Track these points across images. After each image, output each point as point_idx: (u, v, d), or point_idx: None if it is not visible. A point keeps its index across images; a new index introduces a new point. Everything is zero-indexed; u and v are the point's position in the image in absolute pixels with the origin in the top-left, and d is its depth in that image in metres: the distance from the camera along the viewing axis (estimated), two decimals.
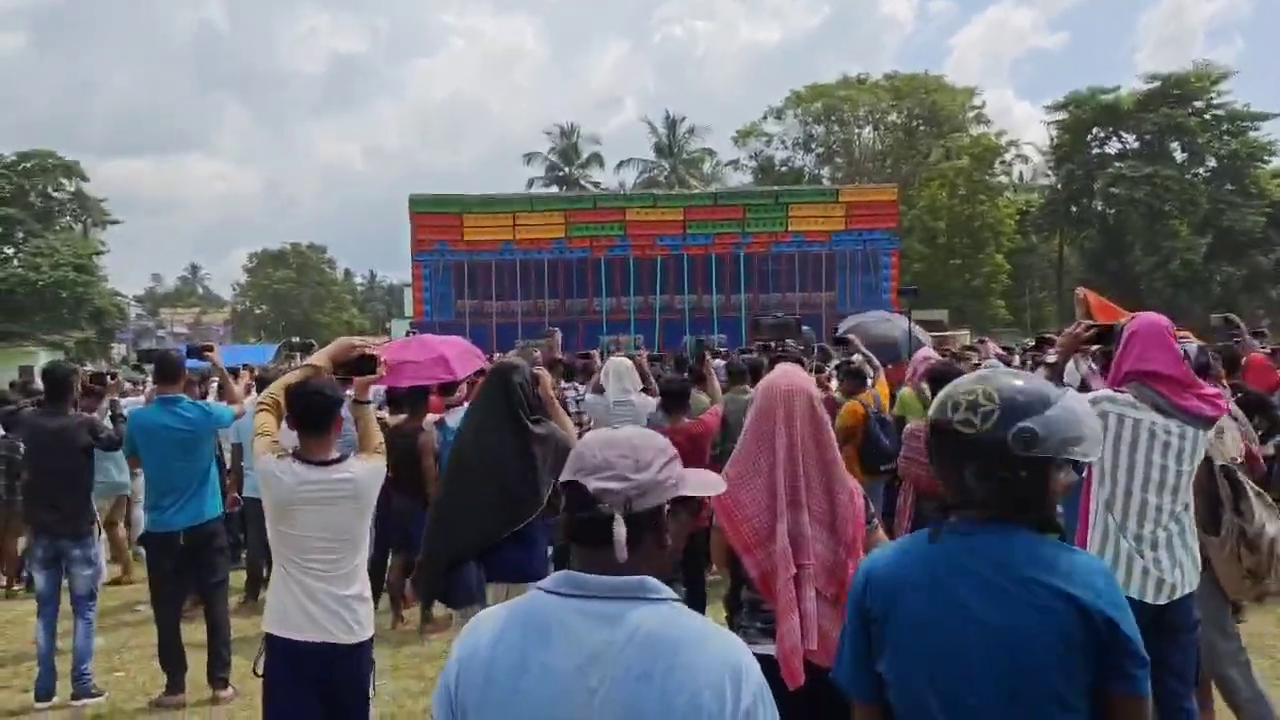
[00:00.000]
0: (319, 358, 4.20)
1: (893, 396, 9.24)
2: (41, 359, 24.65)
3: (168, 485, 6.10)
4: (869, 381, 8.40)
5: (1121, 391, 3.91)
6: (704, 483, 1.87)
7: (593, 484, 1.72)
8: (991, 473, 1.95)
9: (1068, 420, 1.95)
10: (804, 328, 10.46)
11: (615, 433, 1.83)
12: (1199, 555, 3.98)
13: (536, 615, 1.70)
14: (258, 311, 71.06)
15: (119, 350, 50.32)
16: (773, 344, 8.28)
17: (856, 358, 8.89)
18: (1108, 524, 3.92)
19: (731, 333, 20.86)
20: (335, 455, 3.98)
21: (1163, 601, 3.84)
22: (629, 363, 8.35)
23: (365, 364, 4.24)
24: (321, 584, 3.89)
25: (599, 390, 8.32)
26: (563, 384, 9.09)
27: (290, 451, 3.94)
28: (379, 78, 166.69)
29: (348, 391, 4.29)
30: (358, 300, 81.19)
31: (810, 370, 8.69)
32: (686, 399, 7.15)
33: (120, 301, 56.57)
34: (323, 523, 3.89)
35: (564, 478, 1.75)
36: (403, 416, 7.97)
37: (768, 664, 3.19)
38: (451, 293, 26.45)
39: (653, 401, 7.92)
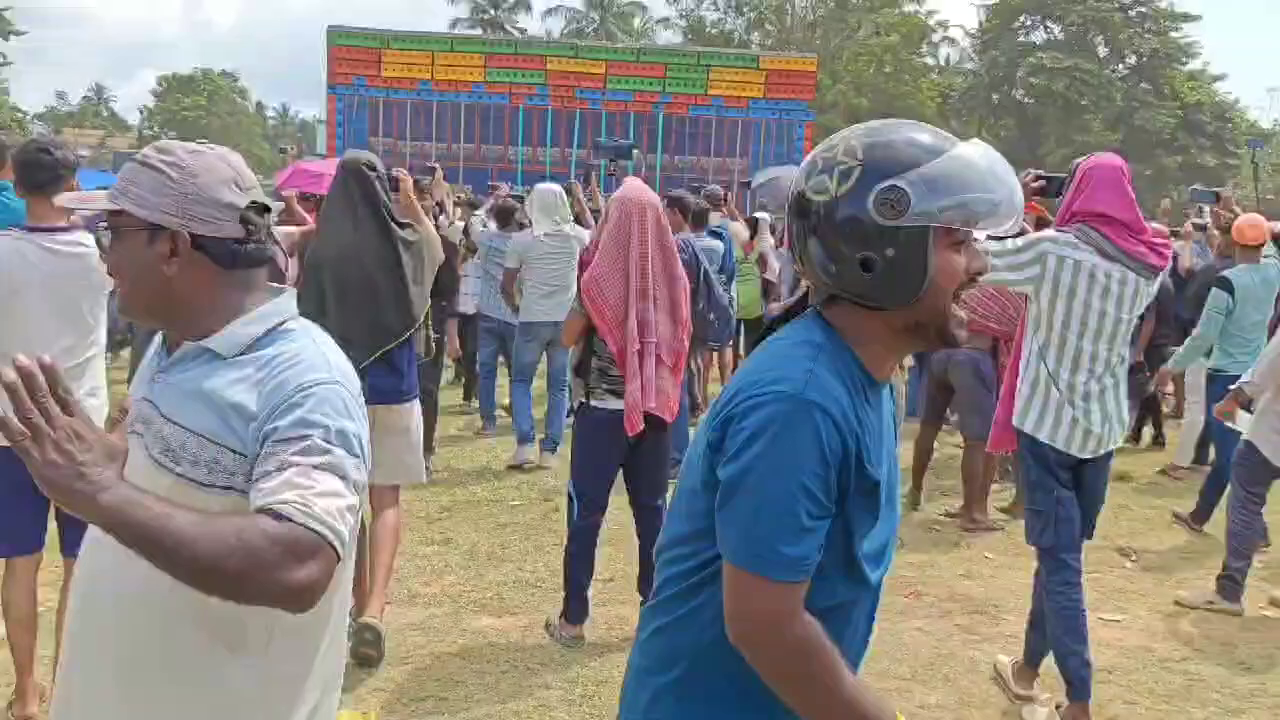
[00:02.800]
0: None
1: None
2: None
3: None
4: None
5: (1064, 231, 3.69)
6: None
7: (270, 201, 1.70)
8: (846, 251, 1.45)
9: (957, 174, 1.43)
10: (634, 150, 10.46)
11: (219, 149, 1.70)
12: (1127, 411, 3.90)
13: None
14: (166, 137, 68.59)
15: None
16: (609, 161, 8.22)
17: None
18: (1039, 371, 3.75)
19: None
20: (66, 224, 3.57)
21: (1087, 455, 3.76)
22: (558, 189, 7.65)
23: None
24: None
25: (516, 225, 8.03)
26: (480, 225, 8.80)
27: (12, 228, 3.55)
28: None
29: None
30: (268, 134, 78.78)
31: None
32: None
33: (20, 117, 54.24)
34: (56, 305, 3.49)
35: (245, 198, 1.64)
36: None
37: (616, 416, 4.20)
38: (366, 129, 26.02)
39: (586, 233, 7.29)
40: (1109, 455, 3.87)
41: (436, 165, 7.82)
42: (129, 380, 9.39)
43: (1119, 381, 3.77)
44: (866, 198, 1.41)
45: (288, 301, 1.68)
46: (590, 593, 4.52)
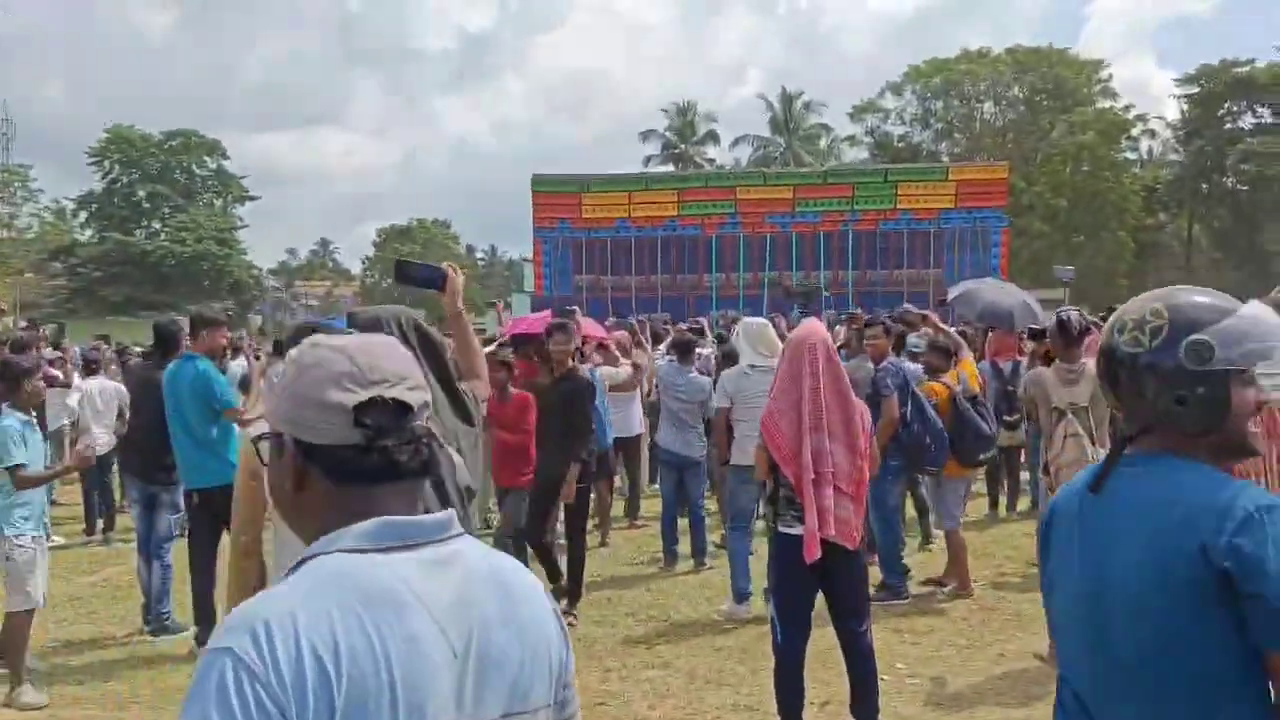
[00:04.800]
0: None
1: (999, 369, 9.43)
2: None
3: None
4: (953, 360, 7.59)
5: None
6: None
7: (414, 397, 1.35)
8: (1164, 390, 1.81)
9: (1248, 330, 1.80)
10: (822, 291, 10.48)
11: (368, 338, 1.44)
12: None
13: (374, 585, 1.24)
14: (385, 285, 73.46)
15: (256, 320, 53.10)
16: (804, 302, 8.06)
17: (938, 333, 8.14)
18: None
19: (840, 308, 21.33)
20: None
21: None
22: (764, 322, 7.43)
23: (434, 275, 3.60)
24: None
25: (726, 358, 8.02)
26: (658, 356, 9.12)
27: None
28: (507, 52, 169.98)
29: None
30: (478, 275, 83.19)
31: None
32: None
33: (256, 274, 59.57)
34: None
35: (360, 395, 1.31)
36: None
37: (800, 541, 4.49)
38: (570, 268, 27.47)
39: None
40: None
41: (575, 308, 8.00)
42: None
43: None
44: (1177, 349, 1.79)
45: (355, 532, 1.27)
46: (805, 716, 4.69)
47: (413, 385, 1.36)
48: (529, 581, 1.44)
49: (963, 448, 7.04)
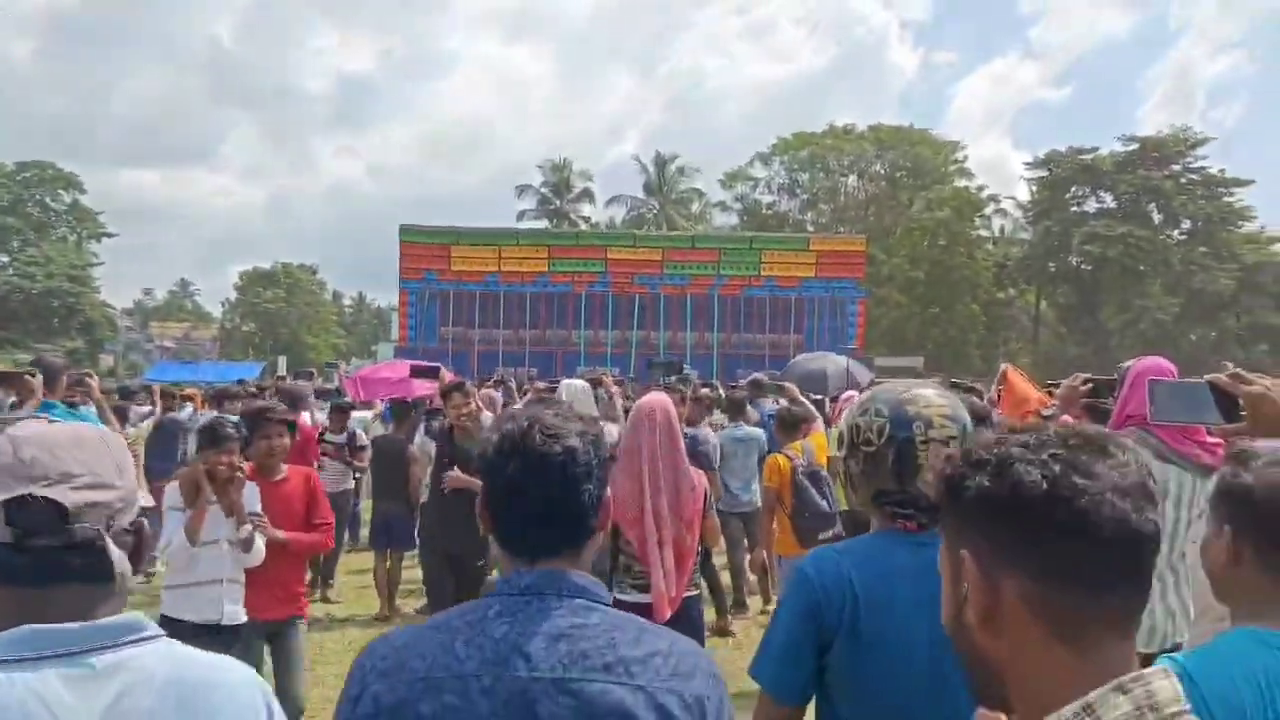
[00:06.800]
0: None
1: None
2: None
3: None
4: (801, 430, 6.99)
5: (1120, 435, 3.94)
6: None
7: (70, 496, 1.27)
8: None
9: None
10: (685, 367, 11.28)
11: (55, 428, 1.37)
12: (1190, 605, 3.82)
13: None
14: (246, 329, 71.51)
15: (106, 361, 50.99)
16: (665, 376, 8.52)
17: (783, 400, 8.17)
18: None
19: (704, 369, 21.69)
20: None
21: (1153, 649, 3.67)
22: (584, 385, 7.27)
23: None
24: None
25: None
26: None
27: None
28: (387, 99, 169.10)
29: None
30: (344, 321, 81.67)
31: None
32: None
33: (109, 313, 57.26)
34: None
35: (12, 491, 1.25)
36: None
37: (641, 608, 4.41)
38: (436, 320, 27.28)
39: (615, 430, 6.46)
40: (1176, 648, 3.77)
41: (439, 364, 8.10)
42: None
43: (1179, 578, 3.81)
44: None
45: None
46: None
47: (80, 485, 1.28)
48: (227, 683, 1.34)
49: (799, 525, 6.46)
